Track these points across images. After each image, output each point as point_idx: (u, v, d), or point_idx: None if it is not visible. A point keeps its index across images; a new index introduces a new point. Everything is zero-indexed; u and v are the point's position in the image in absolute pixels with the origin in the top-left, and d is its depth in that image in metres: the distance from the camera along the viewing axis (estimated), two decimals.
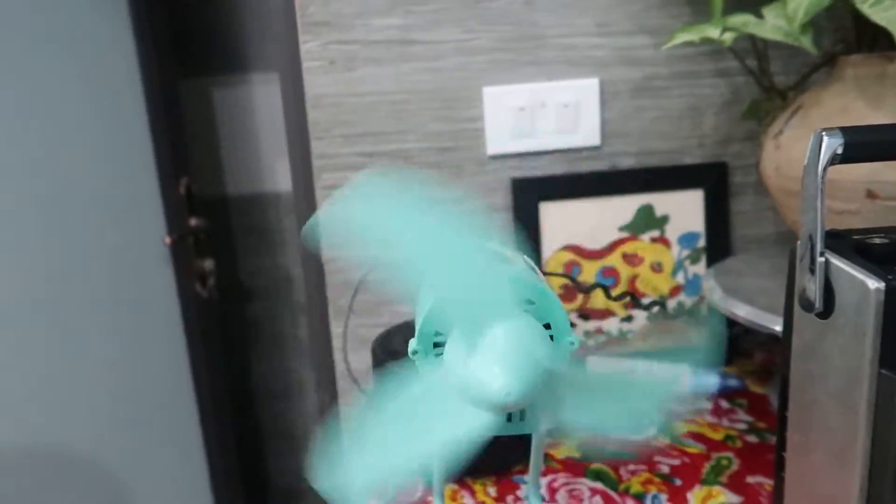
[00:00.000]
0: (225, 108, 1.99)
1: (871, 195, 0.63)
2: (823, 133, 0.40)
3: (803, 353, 0.45)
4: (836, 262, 0.40)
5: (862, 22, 0.69)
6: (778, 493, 0.50)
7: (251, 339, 2.18)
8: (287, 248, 2.10)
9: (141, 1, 1.53)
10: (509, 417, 0.43)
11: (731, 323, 0.84)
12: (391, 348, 0.67)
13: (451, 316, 0.39)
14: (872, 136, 0.41)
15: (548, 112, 0.83)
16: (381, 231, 0.39)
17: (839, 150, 0.40)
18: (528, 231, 0.85)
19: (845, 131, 0.40)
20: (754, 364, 0.87)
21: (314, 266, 0.90)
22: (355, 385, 0.76)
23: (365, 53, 0.81)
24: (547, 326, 0.40)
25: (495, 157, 0.85)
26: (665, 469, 0.68)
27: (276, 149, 2.02)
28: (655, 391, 0.43)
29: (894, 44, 0.67)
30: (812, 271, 0.42)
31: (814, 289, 0.42)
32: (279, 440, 2.28)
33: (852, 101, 0.66)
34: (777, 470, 0.50)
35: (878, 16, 0.55)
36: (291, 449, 2.28)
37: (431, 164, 0.84)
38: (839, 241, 0.43)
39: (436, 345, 0.41)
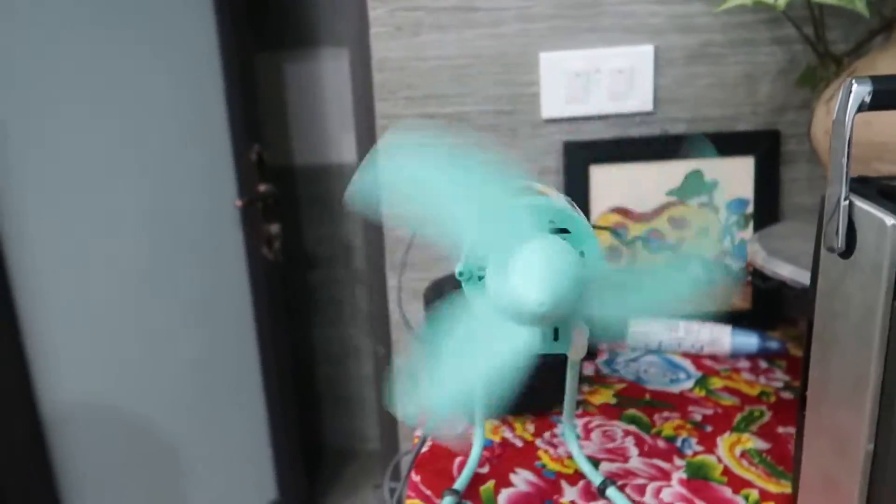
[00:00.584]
0: (295, 82, 2.08)
1: None
2: (853, 81, 0.43)
3: (827, 292, 0.47)
4: (860, 203, 0.43)
5: None
6: (799, 431, 0.53)
7: (312, 305, 2.28)
8: (349, 219, 2.18)
9: None
10: (553, 336, 0.48)
11: (780, 284, 0.86)
12: (441, 292, 0.73)
13: (487, 246, 0.44)
14: None
15: (602, 77, 0.86)
16: (414, 185, 0.44)
17: (867, 98, 0.42)
18: (578, 193, 0.88)
19: (875, 80, 0.42)
20: (798, 330, 0.89)
21: (374, 226, 0.96)
22: (408, 329, 0.82)
23: (429, 20, 0.85)
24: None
25: (550, 121, 0.88)
26: (698, 417, 0.71)
27: (342, 122, 2.10)
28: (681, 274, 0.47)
29: None
30: (836, 213, 0.44)
31: (837, 230, 0.44)
32: (335, 403, 2.38)
33: None
34: (799, 409, 0.52)
35: None
36: (346, 412, 2.38)
37: (488, 126, 0.89)
38: (866, 185, 0.45)
39: (480, 278, 0.46)
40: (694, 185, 0.88)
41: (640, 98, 0.87)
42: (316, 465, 2.32)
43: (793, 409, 0.71)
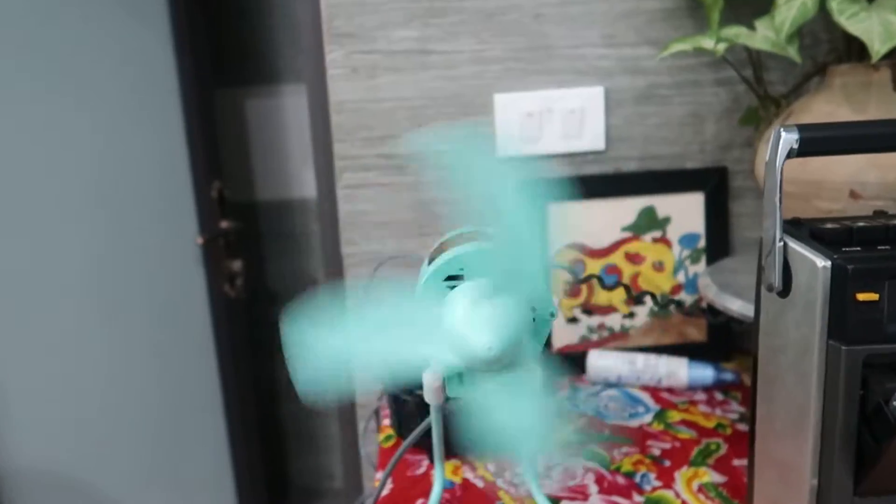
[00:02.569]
0: (256, 118, 2.08)
1: (853, 195, 0.68)
2: (782, 129, 0.45)
3: (768, 330, 0.49)
4: (793, 244, 0.45)
5: (853, 35, 0.74)
6: (750, 464, 0.54)
7: (276, 341, 2.25)
8: (313, 254, 2.18)
9: (181, 15, 1.62)
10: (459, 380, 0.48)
11: (730, 318, 0.89)
12: None
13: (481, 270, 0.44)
14: (825, 132, 0.45)
15: (555, 118, 0.89)
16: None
17: (795, 146, 0.45)
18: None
19: (801, 128, 0.45)
20: (749, 362, 0.91)
21: (335, 260, 0.96)
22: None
23: (385, 62, 0.87)
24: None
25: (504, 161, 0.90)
26: (656, 451, 0.72)
27: (303, 157, 2.10)
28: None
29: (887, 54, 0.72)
30: (773, 254, 0.46)
31: (774, 271, 0.46)
32: (300, 440, 2.34)
33: (837, 108, 0.70)
34: (749, 444, 0.54)
35: (853, 27, 0.60)
36: (311, 449, 2.34)
37: (444, 165, 0.90)
38: (798, 228, 0.47)
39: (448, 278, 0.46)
40: (647, 221, 0.91)
41: (591, 137, 0.89)
42: None
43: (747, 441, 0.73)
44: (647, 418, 0.79)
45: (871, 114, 0.68)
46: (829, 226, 0.45)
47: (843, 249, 0.42)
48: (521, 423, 0.42)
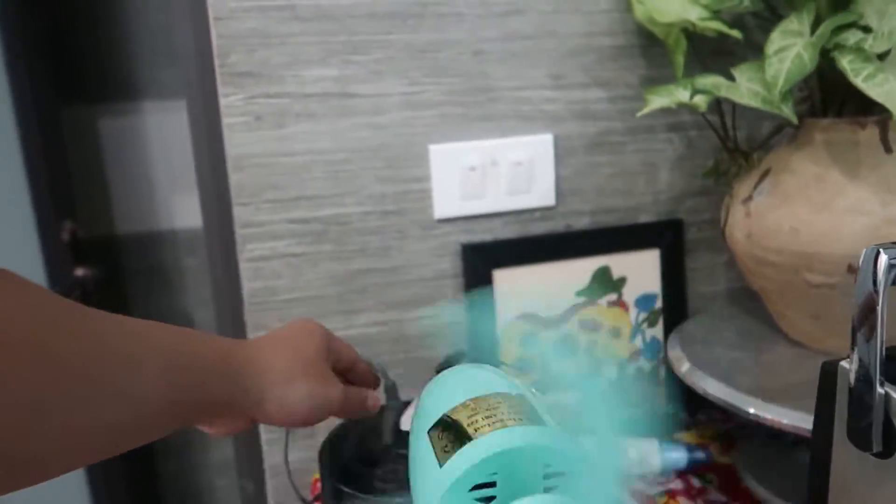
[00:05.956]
0: (113, 140, 1.80)
1: (851, 269, 0.61)
2: (881, 250, 0.35)
3: (848, 488, 0.40)
4: None
5: (830, 85, 0.67)
6: None
7: None
8: (188, 290, 1.93)
9: (11, 19, 1.35)
10: None
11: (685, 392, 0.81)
12: (341, 461, 0.58)
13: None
14: None
15: (500, 171, 0.76)
16: None
17: None
18: (481, 300, 0.77)
19: None
20: (714, 430, 0.84)
21: (229, 295, 0.78)
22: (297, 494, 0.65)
23: (297, 108, 0.71)
24: None
25: (443, 221, 0.77)
26: None
27: (172, 183, 1.85)
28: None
29: (864, 108, 0.65)
30: (869, 405, 0.36)
31: (873, 425, 0.36)
32: (184, 499, 2.09)
33: (826, 170, 0.63)
34: None
35: (873, 91, 0.52)
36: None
37: (372, 229, 0.75)
38: (888, 366, 0.38)
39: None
40: (602, 283, 0.81)
41: (540, 192, 0.78)
42: None
43: None
44: None
45: (863, 176, 0.61)
46: None
47: None
48: None
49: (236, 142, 0.70)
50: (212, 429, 0.47)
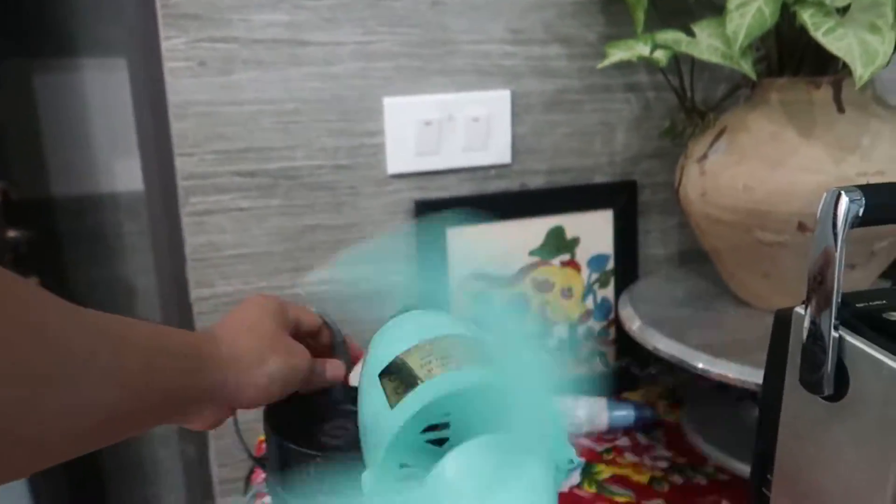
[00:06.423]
0: (49, 97, 1.71)
1: (802, 227, 0.61)
2: (842, 193, 0.35)
3: (798, 433, 0.40)
4: (854, 341, 0.35)
5: (787, 44, 0.67)
6: None
7: None
8: (129, 256, 1.86)
9: None
10: None
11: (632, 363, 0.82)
12: (287, 419, 0.56)
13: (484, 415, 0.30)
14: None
15: (456, 126, 0.74)
16: None
17: (860, 213, 0.35)
18: (434, 258, 0.76)
19: (866, 192, 0.35)
20: (660, 388, 0.85)
21: (174, 283, 0.75)
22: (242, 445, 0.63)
23: (244, 54, 0.67)
24: None
25: (397, 177, 0.75)
26: None
27: (114, 144, 1.77)
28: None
29: (819, 68, 0.66)
30: (821, 348, 0.36)
31: (822, 368, 0.36)
32: (122, 472, 2.03)
33: (782, 129, 0.63)
34: None
35: (833, 45, 0.52)
36: (137, 480, 2.04)
37: (324, 184, 0.73)
38: (842, 310, 0.38)
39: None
40: (555, 243, 0.80)
41: (497, 149, 0.77)
42: None
43: (688, 497, 0.66)
44: (575, 477, 0.69)
45: (817, 135, 0.62)
46: (894, 316, 0.36)
47: None
48: None
49: (179, 88, 0.67)
50: (193, 424, 0.47)
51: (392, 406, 0.31)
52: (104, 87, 1.71)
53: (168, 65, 0.66)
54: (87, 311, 0.36)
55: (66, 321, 0.33)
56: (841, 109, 0.62)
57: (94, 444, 0.35)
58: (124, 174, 1.78)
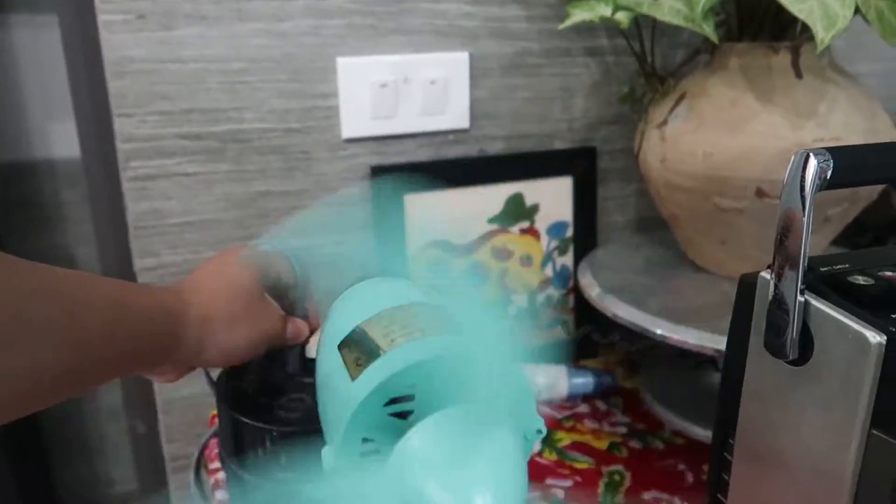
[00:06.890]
0: None
1: (760, 193, 0.61)
2: (811, 154, 0.34)
3: (761, 397, 0.40)
4: (819, 305, 0.35)
5: (747, 9, 0.67)
6: None
7: None
8: (68, 225, 1.78)
9: None
10: None
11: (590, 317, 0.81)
12: (241, 392, 0.54)
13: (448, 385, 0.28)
14: (861, 157, 0.35)
15: (412, 89, 0.72)
16: None
17: (828, 175, 0.34)
18: (392, 226, 0.74)
19: (835, 154, 0.34)
20: (618, 355, 0.85)
21: (116, 253, 0.71)
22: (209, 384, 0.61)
23: (186, 8, 0.63)
24: None
25: (351, 141, 0.72)
26: (560, 493, 0.62)
27: (47, 108, 1.68)
28: None
29: (779, 33, 0.65)
30: (786, 311, 0.36)
31: (787, 332, 0.36)
32: (68, 447, 1.97)
33: (741, 94, 0.63)
34: None
35: (795, 7, 0.51)
36: (83, 455, 1.99)
37: (274, 148, 0.70)
38: (806, 274, 0.38)
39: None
40: (515, 210, 0.79)
41: (455, 113, 0.75)
42: None
43: (647, 463, 0.66)
44: (535, 444, 0.69)
45: (776, 101, 0.62)
46: (860, 280, 0.36)
47: (894, 317, 0.33)
48: None
49: (115, 43, 0.62)
50: (157, 377, 0.46)
51: (353, 378, 0.29)
52: (34, 46, 1.61)
53: (102, 18, 0.61)
54: (45, 272, 0.34)
55: (21, 286, 0.32)
56: (799, 75, 0.62)
57: (44, 403, 0.35)
58: (60, 139, 1.69)
